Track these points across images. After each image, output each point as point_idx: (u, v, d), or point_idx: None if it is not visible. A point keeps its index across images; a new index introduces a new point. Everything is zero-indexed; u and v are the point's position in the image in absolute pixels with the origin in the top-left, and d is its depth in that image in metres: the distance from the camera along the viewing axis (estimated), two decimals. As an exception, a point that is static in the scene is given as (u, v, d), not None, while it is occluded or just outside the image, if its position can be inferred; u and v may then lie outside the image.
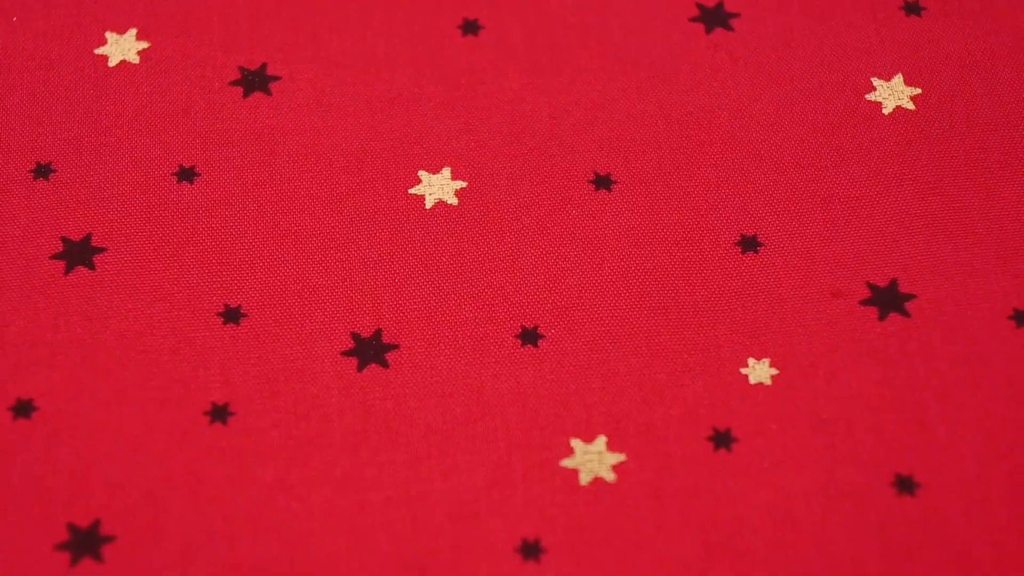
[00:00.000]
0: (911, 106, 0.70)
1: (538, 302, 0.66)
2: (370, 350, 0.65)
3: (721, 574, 0.60)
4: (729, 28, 0.72)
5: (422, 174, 0.69)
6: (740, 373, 0.64)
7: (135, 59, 0.71)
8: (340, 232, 0.67)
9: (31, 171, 0.68)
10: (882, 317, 0.65)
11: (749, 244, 0.67)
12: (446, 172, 0.69)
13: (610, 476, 0.62)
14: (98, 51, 0.71)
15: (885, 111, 0.70)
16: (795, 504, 0.61)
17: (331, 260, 0.67)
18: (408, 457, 0.62)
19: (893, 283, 0.66)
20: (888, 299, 0.66)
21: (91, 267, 0.66)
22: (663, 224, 0.67)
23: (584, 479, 0.62)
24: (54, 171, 0.68)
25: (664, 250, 0.67)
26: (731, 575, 0.60)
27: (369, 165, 0.69)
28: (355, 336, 0.65)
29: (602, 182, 0.68)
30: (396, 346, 0.65)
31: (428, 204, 0.68)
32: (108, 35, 0.72)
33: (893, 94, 0.70)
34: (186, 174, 0.68)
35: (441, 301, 0.66)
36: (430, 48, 0.72)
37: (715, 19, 0.73)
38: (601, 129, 0.70)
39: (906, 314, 0.65)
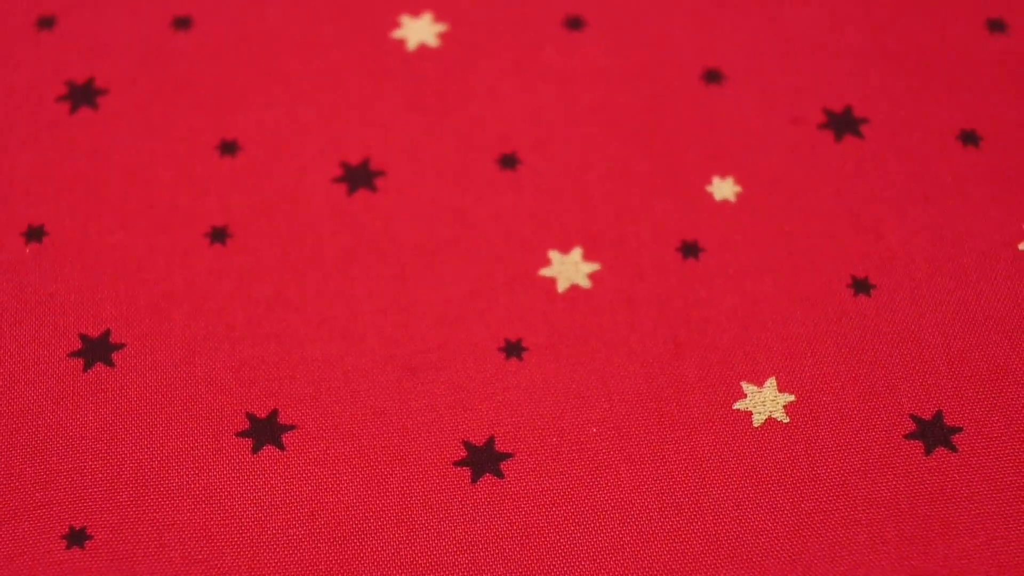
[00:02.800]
0: (863, -48, 0.75)
1: (516, 133, 0.70)
2: (359, 176, 0.69)
3: (690, 365, 0.64)
4: None
5: (404, 18, 0.73)
6: (706, 191, 0.68)
7: (131, -79, 0.76)
8: (328, 74, 0.71)
9: (35, 23, 0.73)
10: (838, 139, 0.70)
11: (713, 76, 0.71)
12: (427, 16, 0.73)
13: (586, 283, 0.66)
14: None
15: (839, -43, 0.75)
16: (759, 305, 0.65)
17: (320, 99, 0.71)
18: (396, 272, 0.67)
19: (848, 109, 0.70)
20: (844, 123, 0.70)
21: (94, 107, 0.70)
22: (632, 60, 0.72)
23: (561, 286, 0.66)
24: (57, 22, 0.73)
25: (633, 83, 0.71)
26: (699, 366, 0.64)
27: (353, 12, 0.73)
28: (344, 164, 0.69)
29: (575, 23, 0.73)
30: (383, 172, 0.69)
31: (410, 46, 0.72)
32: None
33: (846, -58, 0.75)
34: (181, 23, 0.73)
35: (424, 133, 0.70)
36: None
37: None
38: (572, -24, 0.74)
39: (860, 136, 0.70)
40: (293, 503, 0.61)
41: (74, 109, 0.70)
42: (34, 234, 0.67)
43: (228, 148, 0.69)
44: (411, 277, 0.66)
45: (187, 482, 0.61)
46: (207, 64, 0.72)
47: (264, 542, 0.60)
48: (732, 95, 0.71)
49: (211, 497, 0.61)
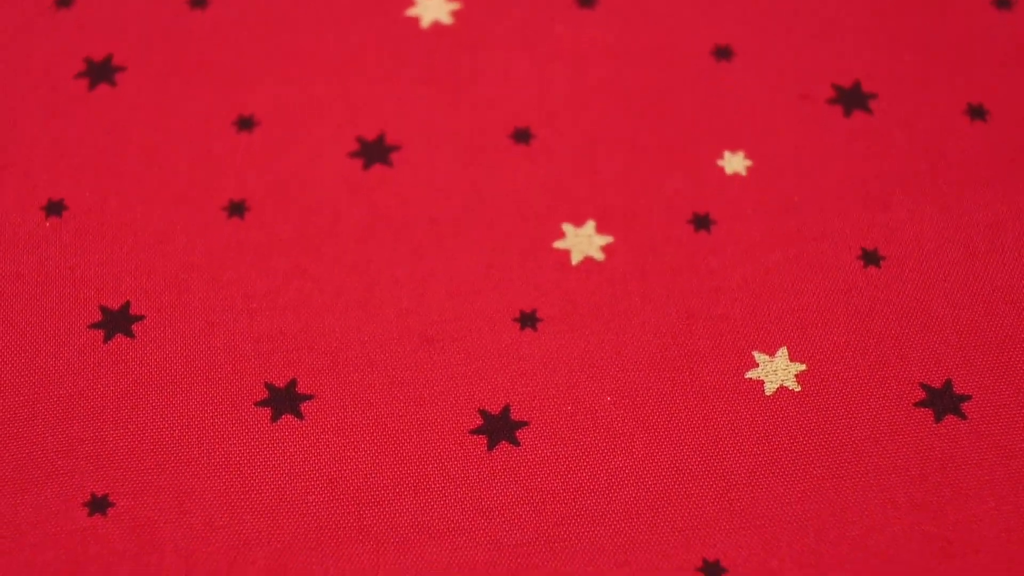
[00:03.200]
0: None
1: (529, 109, 0.71)
2: (375, 151, 0.70)
3: (702, 335, 0.65)
4: None
5: (418, -3, 0.74)
6: (717, 165, 0.69)
7: (147, -98, 0.77)
8: (343, 51, 0.72)
9: (54, 1, 0.73)
10: (847, 114, 0.71)
11: (723, 53, 0.72)
12: (441, -6, 0.74)
13: (599, 256, 0.67)
14: None
15: (847, -64, 0.76)
16: (769, 276, 0.66)
17: (335, 76, 0.72)
18: (412, 245, 0.67)
19: (857, 84, 0.71)
20: (853, 99, 0.71)
21: (113, 84, 0.71)
22: (642, 37, 0.73)
23: (575, 259, 0.67)
24: (75, 0, 0.73)
25: (644, 60, 0.72)
26: (711, 335, 0.65)
27: (368, -9, 0.74)
28: (360, 140, 0.70)
29: (586, 1, 0.74)
30: (399, 147, 0.70)
31: (424, 24, 0.73)
32: None
33: (854, -79, 0.76)
34: (198, 0, 0.73)
35: (439, 109, 0.71)
36: None
37: None
38: (584, -45, 0.75)
39: (869, 111, 0.71)
40: (312, 470, 0.62)
41: (92, 86, 0.71)
42: (54, 208, 0.68)
43: (245, 124, 0.70)
44: (427, 249, 0.67)
45: (207, 450, 0.62)
46: (224, 42, 0.73)
47: (283, 509, 0.61)
48: (741, 72, 0.72)
49: (231, 465, 0.62)
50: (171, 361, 0.64)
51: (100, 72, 0.72)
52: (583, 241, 0.67)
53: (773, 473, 0.62)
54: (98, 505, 0.61)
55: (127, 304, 0.66)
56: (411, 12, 0.73)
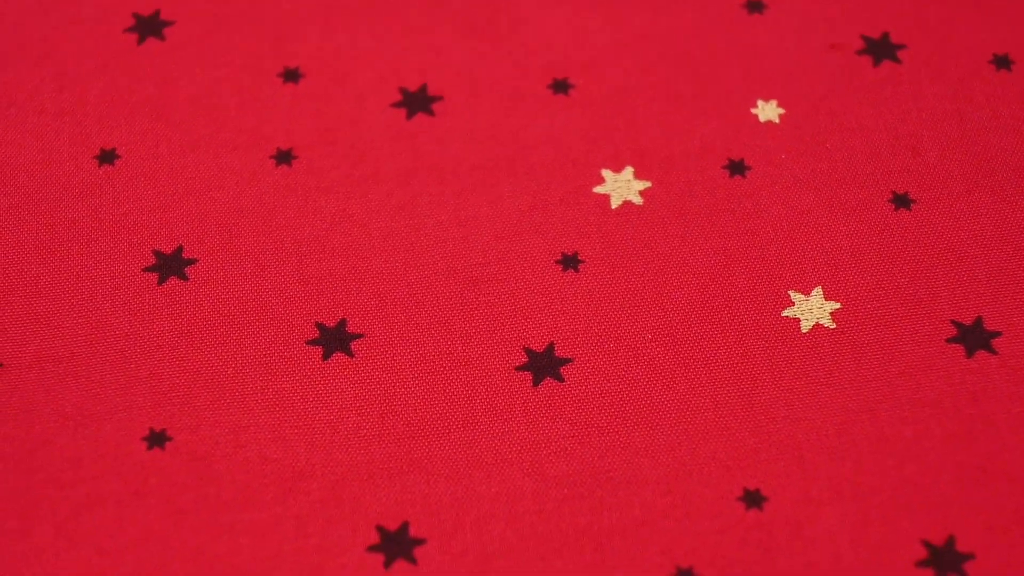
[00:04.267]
0: None
1: (566, 59, 0.73)
2: (417, 101, 0.72)
3: (739, 275, 0.67)
4: None
5: (457, -48, 0.76)
6: (751, 113, 0.71)
7: None
8: (385, 3, 0.74)
9: (101, -42, 0.76)
10: (876, 63, 0.72)
11: (755, 6, 0.74)
12: (479, -51, 0.76)
13: (638, 200, 0.69)
14: None
15: None
16: (803, 218, 0.68)
17: (377, 28, 0.74)
18: (456, 189, 0.69)
19: (885, 35, 0.73)
20: (881, 48, 0.73)
21: (161, 38, 0.73)
22: (677, -10, 0.75)
23: (615, 203, 0.69)
24: (122, -42, 0.76)
25: (679, 11, 0.74)
26: (747, 276, 0.67)
27: (408, -53, 0.76)
28: (403, 91, 0.72)
29: (620, -45, 0.76)
30: (440, 98, 0.72)
31: (463, -22, 0.75)
32: None
33: None
34: (243, -43, 0.76)
35: (479, 60, 0.73)
36: None
37: None
38: (617, -89, 0.77)
39: (898, 61, 0.73)
40: (363, 405, 0.64)
41: (141, 40, 0.73)
42: (107, 157, 0.70)
43: (291, 76, 0.72)
44: (470, 194, 0.69)
45: (261, 387, 0.64)
46: (267, -4, 0.75)
47: (336, 442, 0.63)
48: (773, 22, 0.74)
49: (285, 401, 0.64)
50: (224, 302, 0.66)
51: (148, 26, 0.73)
52: (622, 186, 0.69)
53: (810, 407, 0.64)
54: (156, 439, 0.63)
55: (180, 248, 0.68)
56: (450, -33, 0.75)
